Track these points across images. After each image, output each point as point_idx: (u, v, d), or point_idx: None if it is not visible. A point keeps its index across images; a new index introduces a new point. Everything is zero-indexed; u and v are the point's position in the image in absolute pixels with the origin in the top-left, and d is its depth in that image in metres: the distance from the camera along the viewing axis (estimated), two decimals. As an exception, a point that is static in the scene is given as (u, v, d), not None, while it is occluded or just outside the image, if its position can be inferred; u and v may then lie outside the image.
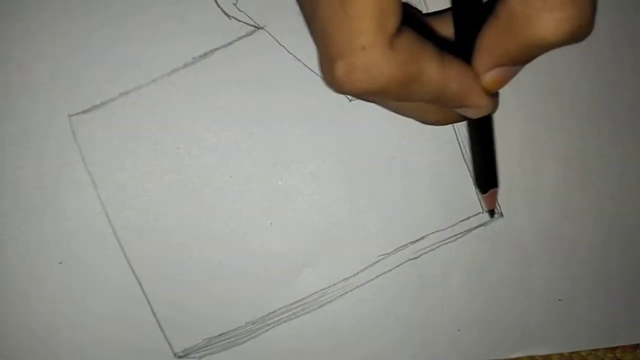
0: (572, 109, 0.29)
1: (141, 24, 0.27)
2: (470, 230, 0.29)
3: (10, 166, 0.27)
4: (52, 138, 0.27)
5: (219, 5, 0.27)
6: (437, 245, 0.29)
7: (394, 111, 0.24)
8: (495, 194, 0.28)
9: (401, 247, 0.29)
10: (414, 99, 0.20)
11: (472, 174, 0.29)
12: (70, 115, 0.27)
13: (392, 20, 0.18)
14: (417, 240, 0.29)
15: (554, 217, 0.29)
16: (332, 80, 0.19)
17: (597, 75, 0.29)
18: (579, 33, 0.17)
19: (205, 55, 0.27)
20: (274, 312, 0.28)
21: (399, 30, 0.19)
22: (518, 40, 0.18)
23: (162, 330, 0.28)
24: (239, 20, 0.27)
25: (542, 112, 0.29)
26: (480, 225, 0.29)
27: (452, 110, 0.22)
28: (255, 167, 0.28)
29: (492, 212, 0.29)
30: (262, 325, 0.28)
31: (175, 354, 0.28)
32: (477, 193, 0.29)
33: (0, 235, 0.27)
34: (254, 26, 0.27)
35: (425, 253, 0.29)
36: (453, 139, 0.29)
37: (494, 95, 0.22)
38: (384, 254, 0.29)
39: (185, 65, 0.27)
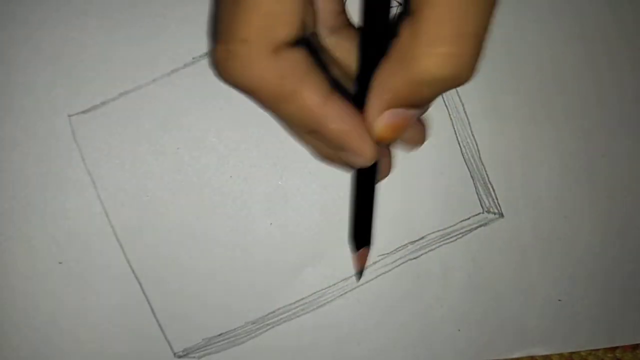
0: (572, 109, 0.29)
1: (141, 24, 0.27)
2: (470, 230, 0.29)
3: (10, 166, 0.26)
4: (52, 138, 0.27)
5: (219, 5, 0.27)
6: (437, 245, 0.29)
7: (284, 128, 0.23)
8: (366, 254, 0.26)
9: (401, 247, 0.29)
10: (289, 119, 0.20)
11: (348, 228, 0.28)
12: (70, 115, 0.27)
13: (282, 30, 0.18)
14: (417, 240, 0.29)
15: (553, 217, 0.29)
16: (212, 61, 0.20)
17: (597, 75, 0.29)
18: (462, 72, 0.17)
19: (205, 55, 0.27)
20: (274, 312, 0.28)
21: (292, 46, 0.19)
22: (404, 76, 0.18)
23: (162, 330, 0.28)
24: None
25: (541, 112, 0.29)
26: (480, 226, 0.29)
27: (334, 149, 0.22)
28: (255, 167, 0.28)
29: (360, 274, 0.27)
30: (262, 325, 0.28)
31: (175, 354, 0.28)
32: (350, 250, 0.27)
33: (0, 235, 0.27)
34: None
35: (425, 253, 0.29)
36: (453, 139, 0.29)
37: (384, 150, 0.22)
38: (384, 254, 0.29)
39: (185, 65, 0.27)
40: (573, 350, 0.30)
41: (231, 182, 0.28)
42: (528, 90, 0.29)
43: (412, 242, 0.29)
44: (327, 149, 0.22)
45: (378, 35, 0.21)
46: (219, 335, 0.28)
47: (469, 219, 0.29)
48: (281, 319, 0.28)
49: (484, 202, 0.29)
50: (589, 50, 0.29)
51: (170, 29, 0.27)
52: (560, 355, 0.30)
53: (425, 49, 0.17)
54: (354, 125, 0.20)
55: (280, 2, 0.18)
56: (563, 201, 0.29)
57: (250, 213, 0.28)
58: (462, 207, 0.29)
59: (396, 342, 0.29)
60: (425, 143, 0.29)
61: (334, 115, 0.20)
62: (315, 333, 0.29)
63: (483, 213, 0.29)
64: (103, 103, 0.27)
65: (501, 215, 0.29)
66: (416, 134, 0.26)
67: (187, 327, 0.28)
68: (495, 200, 0.29)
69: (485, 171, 0.29)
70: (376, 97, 0.20)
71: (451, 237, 0.29)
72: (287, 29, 0.19)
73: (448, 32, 0.17)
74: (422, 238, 0.29)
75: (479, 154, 0.29)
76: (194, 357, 0.28)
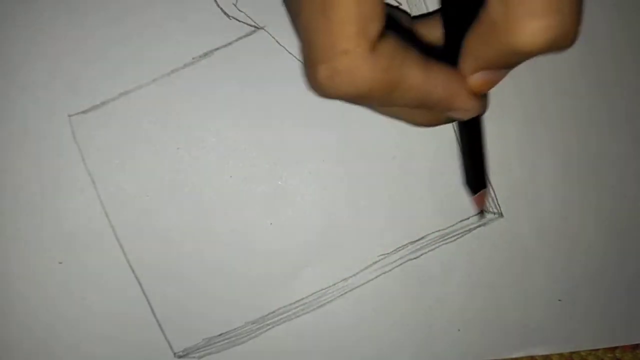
0: (572, 109, 0.29)
1: (141, 24, 0.27)
2: (470, 230, 0.29)
3: (10, 166, 0.27)
4: (52, 138, 0.27)
5: (218, 6, 0.27)
6: (437, 245, 0.29)
7: (382, 114, 0.24)
8: (485, 195, 0.28)
9: (401, 247, 0.29)
10: (398, 103, 0.20)
11: (461, 175, 0.29)
12: (70, 115, 0.27)
13: (374, 25, 0.18)
14: (417, 240, 0.29)
15: (553, 217, 0.29)
16: (315, 84, 0.19)
17: (597, 75, 0.29)
18: (562, 42, 0.17)
19: (205, 55, 0.27)
20: (274, 312, 0.28)
21: (382, 35, 0.19)
22: (499, 47, 0.18)
23: (162, 330, 0.28)
24: (239, 21, 0.27)
25: (542, 112, 0.29)
26: (480, 226, 0.29)
27: (440, 112, 0.22)
28: (255, 167, 0.28)
29: (481, 213, 0.29)
30: (262, 325, 0.28)
31: (175, 354, 0.28)
32: (467, 194, 0.28)
33: (0, 235, 0.27)
34: (254, 26, 0.27)
35: (425, 253, 0.29)
36: (453, 139, 0.29)
37: (482, 97, 0.22)
38: (384, 254, 0.29)
39: (185, 65, 0.27)
40: (573, 350, 0.30)
41: (231, 182, 0.28)
42: (528, 90, 0.29)
43: (412, 242, 0.29)
44: (427, 115, 0.23)
45: (461, 2, 0.21)
46: (219, 335, 0.28)
47: (468, 219, 0.29)
48: (281, 319, 0.28)
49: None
50: (588, 50, 0.29)
51: (170, 29, 0.27)
52: (560, 355, 0.30)
53: (520, 21, 0.16)
54: (456, 87, 0.20)
55: (365, 1, 0.18)
56: (563, 201, 0.29)
57: (250, 213, 0.28)
58: (462, 207, 0.29)
59: (396, 342, 0.29)
60: (425, 143, 0.29)
61: (438, 84, 0.20)
62: (315, 333, 0.29)
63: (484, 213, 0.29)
64: (103, 103, 0.27)
65: (501, 215, 0.29)
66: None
67: (187, 327, 0.28)
68: (495, 201, 0.29)
69: (485, 171, 0.29)
70: (469, 60, 0.20)
71: (451, 237, 0.29)
72: (378, 24, 0.18)
73: (541, 3, 0.16)
74: (422, 238, 0.29)
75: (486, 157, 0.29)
76: (194, 357, 0.28)
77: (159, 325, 0.28)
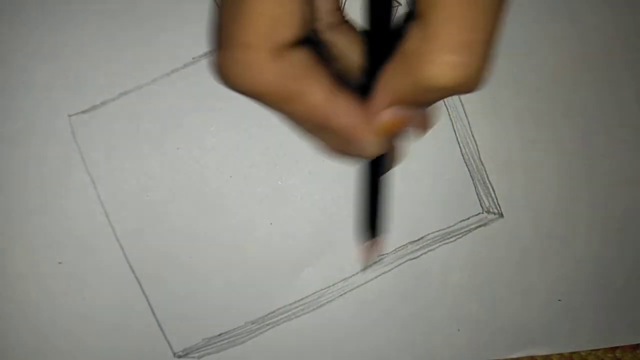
0: (572, 110, 0.29)
1: (141, 24, 0.27)
2: (470, 230, 0.29)
3: (10, 166, 0.27)
4: (52, 138, 0.27)
5: (218, 6, 0.27)
6: (437, 245, 0.29)
7: (291, 128, 0.23)
8: (375, 245, 0.25)
9: (401, 247, 0.29)
10: (296, 117, 0.20)
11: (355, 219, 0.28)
12: (70, 115, 0.27)
13: (284, 31, 0.18)
14: (416, 240, 0.29)
15: (553, 218, 0.29)
16: (215, 68, 0.19)
17: (597, 75, 0.29)
18: (469, 82, 0.17)
19: (205, 55, 0.27)
20: (274, 312, 0.28)
21: (294, 46, 0.19)
22: (410, 79, 0.18)
23: (161, 330, 0.28)
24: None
25: (541, 112, 0.29)
26: (480, 226, 0.29)
27: (342, 143, 0.22)
28: (255, 167, 0.28)
29: (364, 266, 0.27)
30: (261, 325, 0.28)
31: (174, 354, 0.28)
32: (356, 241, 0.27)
33: (0, 235, 0.27)
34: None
35: (425, 253, 0.29)
36: (453, 139, 0.29)
37: (390, 143, 0.21)
38: (384, 254, 0.29)
39: (185, 65, 0.27)
40: (573, 350, 0.30)
41: (231, 182, 0.28)
42: (528, 91, 0.29)
43: (412, 242, 0.29)
44: (335, 143, 0.22)
45: (383, 33, 0.21)
46: (219, 335, 0.28)
47: (468, 219, 0.29)
48: (281, 319, 0.28)
49: (484, 202, 0.29)
50: (588, 50, 0.29)
51: (170, 29, 0.27)
52: (560, 355, 0.30)
53: (432, 56, 0.17)
54: (361, 119, 0.20)
55: (282, 4, 0.18)
56: (563, 201, 0.29)
57: (250, 213, 0.28)
58: (462, 207, 0.29)
59: (396, 342, 0.29)
60: (425, 143, 0.29)
61: (341, 111, 0.20)
62: (315, 333, 0.29)
63: (483, 213, 0.29)
64: (103, 103, 0.27)
65: (501, 215, 0.29)
66: (421, 121, 0.25)
67: (186, 327, 0.28)
68: (495, 201, 0.29)
69: (485, 171, 0.29)
70: (381, 95, 0.20)
71: (451, 237, 0.29)
72: (289, 31, 0.18)
73: (458, 39, 0.16)
74: (422, 238, 0.29)
75: (479, 154, 0.29)
76: (194, 357, 0.28)
77: (159, 325, 0.28)
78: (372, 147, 0.21)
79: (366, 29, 0.22)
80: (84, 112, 0.27)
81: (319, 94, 0.19)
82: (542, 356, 0.30)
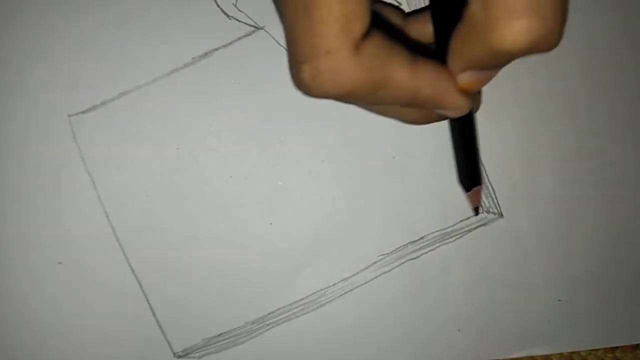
0: (572, 109, 0.29)
1: (141, 24, 0.27)
2: (470, 230, 0.29)
3: (10, 166, 0.27)
4: (52, 138, 0.27)
5: (218, 6, 0.27)
6: (437, 245, 0.29)
7: (373, 112, 0.24)
8: (479, 192, 0.27)
9: (401, 247, 0.29)
10: (386, 102, 0.20)
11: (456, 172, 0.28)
12: (70, 115, 0.27)
13: (358, 25, 0.18)
14: (416, 240, 0.29)
15: (553, 218, 0.29)
16: (299, 83, 0.19)
17: (597, 75, 0.29)
18: (543, 44, 0.17)
19: (205, 55, 0.27)
20: (274, 312, 0.28)
21: (366, 34, 0.19)
22: (481, 47, 0.17)
23: (161, 330, 0.28)
24: (239, 21, 0.27)
25: (542, 112, 0.29)
26: (480, 226, 0.29)
27: (431, 110, 0.22)
28: (255, 167, 0.28)
29: (476, 210, 0.28)
30: (261, 325, 0.28)
31: (174, 354, 0.28)
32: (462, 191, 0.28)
33: (0, 235, 0.27)
34: (254, 26, 0.27)
35: (425, 253, 0.29)
36: (453, 139, 0.29)
37: (474, 95, 0.22)
38: (384, 254, 0.29)
39: (185, 65, 0.27)
40: (573, 350, 0.30)
41: (231, 182, 0.28)
42: (528, 90, 0.29)
43: (412, 242, 0.29)
44: (422, 114, 0.22)
45: None
46: (219, 335, 0.28)
47: (468, 219, 0.29)
48: (281, 319, 0.28)
49: (484, 203, 0.29)
50: (588, 50, 0.29)
51: (170, 29, 0.27)
52: (561, 355, 0.30)
53: (500, 21, 0.16)
54: (445, 85, 0.20)
55: (350, 0, 0.18)
56: (563, 201, 0.29)
57: (250, 213, 0.28)
58: (462, 207, 0.29)
59: (396, 342, 0.29)
60: (425, 143, 0.29)
61: (425, 82, 0.20)
62: (315, 333, 0.29)
63: (483, 213, 0.29)
64: (103, 103, 0.27)
65: (501, 215, 0.29)
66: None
67: (186, 327, 0.28)
68: (495, 201, 0.29)
69: (485, 171, 0.29)
70: (455, 59, 0.20)
71: (451, 237, 0.29)
72: (362, 23, 0.18)
73: (520, 3, 0.16)
74: (422, 238, 0.29)
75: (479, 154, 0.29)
76: (194, 357, 0.28)
77: (159, 325, 0.28)
78: (462, 107, 0.21)
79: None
80: (84, 112, 0.27)
81: (403, 73, 0.19)
82: (542, 356, 0.30)
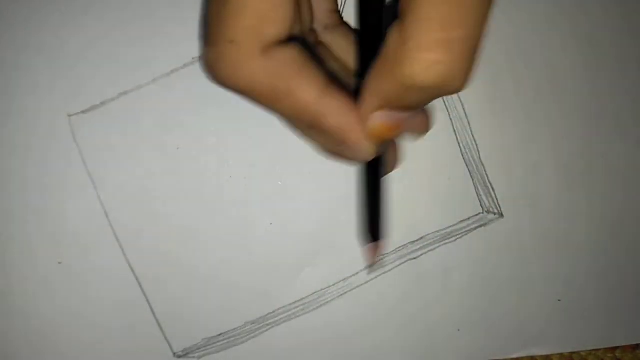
0: (572, 109, 0.29)
1: (141, 24, 0.27)
2: (470, 230, 0.29)
3: (10, 166, 0.27)
4: (52, 138, 0.27)
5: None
6: (437, 245, 0.29)
7: (284, 125, 0.23)
8: (376, 248, 0.26)
9: (401, 247, 0.29)
10: (285, 116, 0.20)
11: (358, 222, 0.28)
12: (70, 115, 0.27)
13: (271, 29, 0.18)
14: (416, 240, 0.29)
15: (553, 218, 0.29)
16: (203, 64, 0.20)
17: (597, 75, 0.29)
18: (450, 81, 0.16)
19: (205, 55, 0.27)
20: (274, 312, 0.28)
21: (282, 44, 0.19)
22: (393, 80, 0.17)
23: (161, 329, 0.28)
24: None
25: (541, 112, 0.29)
26: (480, 226, 0.29)
27: (334, 144, 0.21)
28: (255, 167, 0.28)
29: (370, 267, 0.28)
30: (261, 325, 0.28)
31: (174, 354, 0.28)
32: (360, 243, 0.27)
33: (0, 235, 0.27)
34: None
35: (425, 253, 0.29)
36: (453, 139, 0.29)
37: (389, 147, 0.21)
38: (384, 254, 0.29)
39: (185, 65, 0.27)
40: (573, 350, 0.30)
41: (231, 182, 0.28)
42: (528, 90, 0.29)
43: (412, 242, 0.29)
44: (328, 144, 0.22)
45: (373, 32, 0.20)
46: (219, 335, 0.28)
47: (468, 219, 0.29)
48: (281, 319, 0.28)
49: (484, 202, 0.29)
50: (588, 50, 0.29)
51: (170, 29, 0.27)
52: (561, 355, 0.30)
53: (411, 54, 0.16)
54: (352, 120, 0.20)
55: (268, 1, 0.18)
56: (563, 201, 0.29)
57: (250, 213, 0.28)
58: (462, 207, 0.29)
59: (396, 342, 0.29)
60: (425, 143, 0.29)
61: (331, 111, 0.19)
62: (315, 333, 0.29)
63: (483, 213, 0.29)
64: (103, 103, 0.27)
65: (501, 215, 0.29)
66: (418, 124, 0.25)
67: (186, 327, 0.28)
68: (495, 201, 0.29)
69: (485, 171, 0.29)
70: (368, 98, 0.19)
71: (451, 237, 0.29)
72: (276, 27, 0.18)
73: (436, 37, 0.16)
74: (422, 238, 0.29)
75: (479, 154, 0.29)
76: (194, 357, 0.28)
77: (159, 325, 0.28)
78: (365, 150, 0.20)
79: (358, 30, 0.22)
80: (83, 112, 0.27)
81: (309, 93, 0.19)
82: (542, 356, 0.30)
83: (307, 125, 0.21)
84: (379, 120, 0.19)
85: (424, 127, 0.25)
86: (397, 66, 0.17)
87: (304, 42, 0.20)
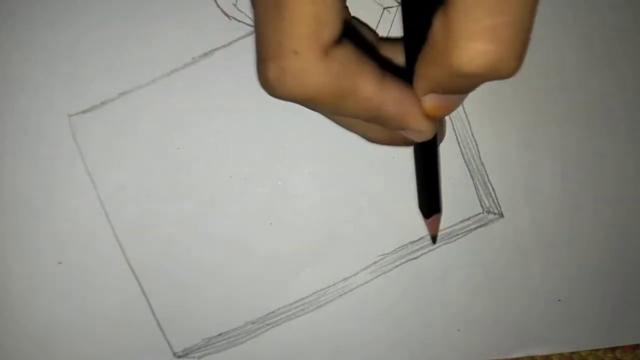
0: (574, 109, 0.29)
1: (141, 24, 0.27)
2: (470, 230, 0.29)
3: (9, 166, 0.26)
4: (52, 138, 0.27)
5: (219, 6, 0.27)
6: (437, 245, 0.29)
7: (337, 123, 0.24)
8: (438, 220, 0.28)
9: (401, 247, 0.29)
10: (349, 113, 0.20)
11: (416, 197, 0.28)
12: (70, 115, 0.27)
13: (329, 29, 0.18)
14: (416, 240, 0.29)
15: (553, 218, 0.29)
16: (264, 82, 0.19)
17: (599, 75, 0.29)
18: (501, 69, 0.16)
19: (205, 55, 0.27)
20: (274, 312, 0.28)
21: (337, 42, 0.19)
22: (440, 68, 0.17)
23: (161, 330, 0.28)
24: (239, 21, 0.27)
25: (541, 112, 0.29)
26: (480, 226, 0.29)
27: (394, 130, 0.22)
28: (255, 167, 0.28)
29: (434, 239, 0.29)
30: (261, 325, 0.28)
31: (174, 354, 0.28)
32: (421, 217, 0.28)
33: (0, 235, 0.27)
34: (254, 26, 0.27)
35: (425, 253, 0.29)
36: (453, 138, 0.29)
37: (438, 123, 0.22)
38: (384, 254, 0.29)
39: (185, 65, 0.27)
40: (573, 350, 0.30)
41: (231, 182, 0.28)
42: (529, 90, 0.29)
43: (412, 242, 0.29)
44: (388, 132, 0.22)
45: (421, 15, 0.20)
46: (219, 335, 0.28)
47: (468, 219, 0.29)
48: (281, 319, 0.28)
49: (484, 203, 0.29)
50: (589, 50, 0.29)
51: (170, 29, 0.27)
52: (561, 355, 0.30)
53: (457, 43, 0.16)
54: (412, 105, 0.20)
55: (321, 3, 0.17)
56: (563, 201, 0.29)
57: (250, 213, 0.28)
58: (462, 207, 0.29)
59: (395, 342, 0.29)
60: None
61: (392, 99, 0.20)
62: (315, 333, 0.29)
63: (483, 213, 0.29)
64: (103, 103, 0.27)
65: (501, 215, 0.29)
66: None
67: (186, 327, 0.28)
68: (495, 201, 0.29)
69: (485, 171, 0.29)
70: (419, 84, 0.20)
71: (451, 237, 0.29)
72: (332, 29, 0.18)
73: (481, 25, 0.16)
74: (422, 238, 0.29)
75: (479, 154, 0.29)
76: (194, 357, 0.28)
77: (159, 325, 0.28)
78: (426, 130, 0.21)
79: (403, 14, 0.22)
80: (83, 112, 0.27)
81: (370, 86, 0.19)
82: (542, 356, 0.30)
83: (368, 117, 0.21)
84: (432, 102, 0.20)
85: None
86: (445, 54, 0.17)
87: (347, 33, 0.19)
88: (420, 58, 0.19)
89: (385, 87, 0.20)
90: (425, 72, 0.19)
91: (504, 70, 0.16)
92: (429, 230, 0.28)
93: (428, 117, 0.21)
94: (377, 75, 0.20)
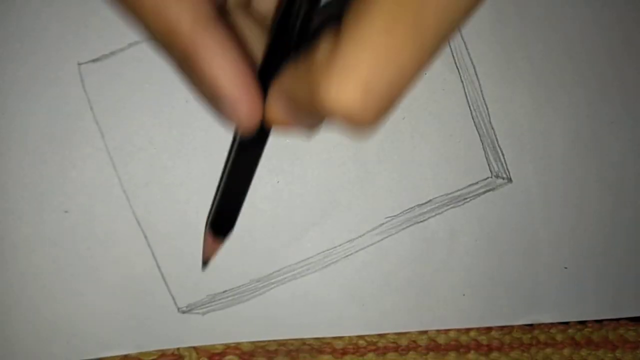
0: (585, 75, 0.29)
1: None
2: (478, 194, 0.29)
3: (17, 112, 0.26)
4: (61, 85, 0.26)
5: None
6: (445, 208, 0.29)
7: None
8: (219, 244, 0.25)
9: (408, 209, 0.29)
10: (151, 35, 0.18)
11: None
12: (80, 64, 0.26)
13: None
14: (424, 203, 0.29)
15: (562, 184, 0.29)
16: None
17: (608, 39, 0.29)
18: (356, 120, 0.16)
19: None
20: (279, 270, 0.28)
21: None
22: (306, 90, 0.16)
23: (166, 284, 0.27)
24: None
25: (553, 77, 0.29)
26: (488, 190, 0.29)
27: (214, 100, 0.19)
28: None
29: (206, 263, 0.26)
30: (266, 283, 0.28)
31: (179, 309, 0.28)
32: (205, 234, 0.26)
33: (5, 181, 0.26)
34: None
35: (432, 216, 0.29)
36: (464, 101, 0.29)
37: (267, 127, 0.20)
38: (391, 216, 0.29)
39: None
40: (577, 319, 0.30)
41: (239, 138, 0.28)
42: (540, 55, 0.29)
43: (419, 205, 0.29)
44: (205, 91, 0.19)
45: (293, 28, 0.19)
46: (224, 292, 0.28)
47: (477, 183, 0.29)
48: (286, 277, 0.28)
49: (493, 167, 0.29)
50: (600, 14, 0.29)
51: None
52: (561, 355, 0.30)
53: (333, 77, 0.15)
54: (236, 68, 0.17)
55: None
56: (572, 168, 0.29)
57: (258, 170, 0.28)
58: (471, 171, 0.29)
59: (400, 304, 0.29)
60: (435, 105, 0.28)
61: (209, 51, 0.17)
62: (320, 293, 0.28)
63: (491, 178, 0.29)
64: (112, 53, 0.27)
65: (509, 180, 0.29)
66: (306, 126, 0.21)
67: (191, 282, 0.28)
68: (504, 165, 0.29)
69: (495, 135, 0.29)
70: (276, 91, 0.18)
71: (459, 201, 0.29)
72: None
73: (361, 74, 0.15)
74: (430, 201, 0.29)
75: (489, 118, 0.29)
76: (198, 313, 0.28)
77: (164, 279, 0.27)
78: (244, 109, 0.18)
79: (279, 18, 0.20)
80: (93, 60, 0.27)
81: (185, 15, 0.17)
82: (541, 356, 0.30)
83: (178, 60, 0.18)
84: (275, 107, 0.19)
85: (310, 131, 0.21)
86: (315, 80, 0.16)
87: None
88: (289, 68, 0.18)
89: (208, 31, 0.17)
90: (288, 83, 0.18)
91: (358, 122, 0.16)
92: (206, 252, 0.25)
93: (268, 119, 0.19)
94: (204, 11, 0.17)
